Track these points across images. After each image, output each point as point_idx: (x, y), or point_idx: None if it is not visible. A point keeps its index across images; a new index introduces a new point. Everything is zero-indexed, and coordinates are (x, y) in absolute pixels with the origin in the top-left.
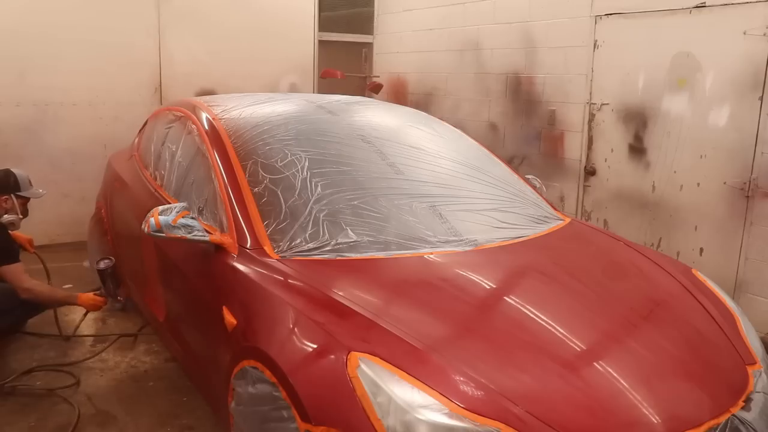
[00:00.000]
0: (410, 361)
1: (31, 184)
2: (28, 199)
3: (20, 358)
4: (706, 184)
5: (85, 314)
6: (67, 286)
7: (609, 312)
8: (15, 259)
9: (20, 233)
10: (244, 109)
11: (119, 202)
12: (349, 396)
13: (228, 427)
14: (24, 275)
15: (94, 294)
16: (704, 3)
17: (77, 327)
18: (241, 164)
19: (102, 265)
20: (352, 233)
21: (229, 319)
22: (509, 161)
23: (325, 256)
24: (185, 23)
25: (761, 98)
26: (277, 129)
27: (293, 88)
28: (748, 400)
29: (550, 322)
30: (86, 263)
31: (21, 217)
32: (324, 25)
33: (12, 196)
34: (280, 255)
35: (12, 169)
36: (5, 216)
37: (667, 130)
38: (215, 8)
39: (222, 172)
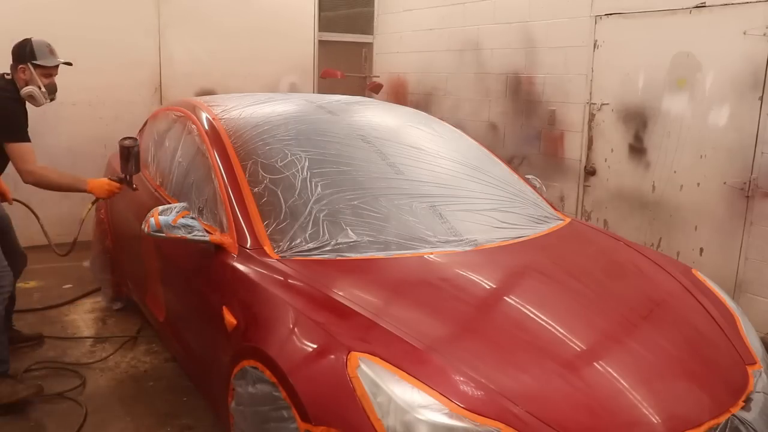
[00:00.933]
0: (410, 361)
1: (52, 53)
2: (51, 70)
3: (19, 356)
4: (706, 184)
5: (95, 202)
6: (67, 286)
7: (609, 312)
8: (22, 138)
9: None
10: (244, 109)
11: (119, 202)
12: (349, 396)
13: (228, 427)
14: (30, 157)
15: (109, 179)
16: (704, 3)
17: (74, 242)
18: (241, 164)
19: (127, 141)
20: (352, 233)
21: (229, 319)
22: (509, 161)
23: (325, 256)
24: (185, 23)
25: (761, 98)
26: (277, 129)
27: (293, 88)
28: (748, 400)
29: (550, 322)
30: (86, 263)
31: (43, 90)
32: (324, 25)
33: (29, 65)
34: (280, 255)
35: (32, 38)
36: (25, 88)
37: (667, 130)
38: (215, 8)
39: (222, 172)
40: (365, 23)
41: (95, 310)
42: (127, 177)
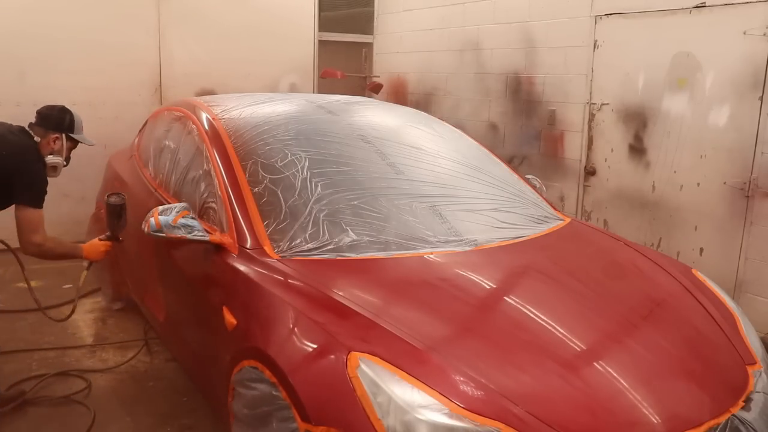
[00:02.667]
0: (410, 361)
1: (82, 129)
2: (75, 145)
3: (21, 358)
4: (706, 184)
5: (89, 266)
6: (67, 286)
7: (609, 312)
8: (38, 204)
9: None
10: (244, 109)
11: None
12: (349, 396)
13: (228, 427)
14: (41, 227)
15: (99, 240)
16: (704, 3)
17: (74, 308)
18: (241, 164)
19: (114, 199)
20: (352, 233)
21: (229, 319)
22: (509, 161)
23: (325, 256)
24: (185, 23)
25: (761, 98)
26: (277, 129)
27: (293, 88)
28: (748, 400)
29: (550, 322)
30: (85, 263)
31: (65, 163)
32: (324, 25)
33: (63, 136)
34: (280, 255)
35: (69, 107)
36: (50, 157)
37: (667, 130)
38: (215, 8)
39: (222, 172)
40: (365, 23)
41: (95, 310)
42: (115, 233)
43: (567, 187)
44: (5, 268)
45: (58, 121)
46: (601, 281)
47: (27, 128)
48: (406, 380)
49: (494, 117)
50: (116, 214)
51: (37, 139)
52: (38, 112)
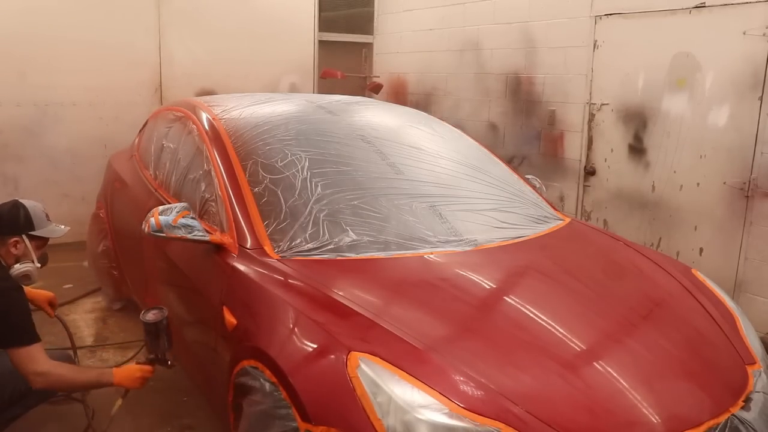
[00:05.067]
0: (410, 361)
1: (48, 219)
2: (46, 241)
3: None
4: (705, 184)
5: (126, 393)
6: (67, 286)
7: (609, 312)
8: (30, 340)
9: (37, 289)
10: (244, 109)
11: (119, 202)
12: (349, 396)
13: (228, 427)
14: (40, 356)
15: (137, 364)
16: (704, 3)
17: (112, 417)
18: (241, 164)
19: (151, 316)
20: (352, 233)
21: (230, 318)
22: (509, 161)
23: (325, 256)
24: (185, 23)
25: (761, 98)
26: (277, 129)
27: (293, 88)
28: (747, 400)
29: (550, 322)
30: (86, 263)
31: (38, 265)
32: (324, 25)
33: (24, 237)
34: (280, 255)
35: (21, 201)
36: (16, 266)
37: (667, 130)
38: (215, 8)
39: (222, 172)
40: (365, 23)
41: (95, 310)
42: (159, 355)
43: (567, 187)
44: None
45: (10, 221)
46: (600, 281)
47: None
48: (406, 380)
49: (494, 117)
50: (155, 333)
51: None
52: None
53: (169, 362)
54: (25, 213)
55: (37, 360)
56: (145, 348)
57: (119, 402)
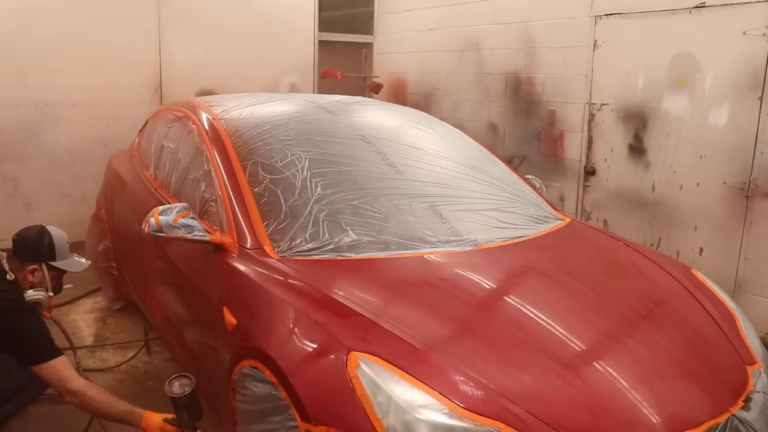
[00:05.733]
0: (410, 361)
1: (71, 250)
2: (64, 272)
3: None
4: (705, 184)
5: None
6: (67, 286)
7: (609, 312)
8: (51, 354)
9: None
10: (244, 109)
11: (120, 202)
12: (349, 396)
13: (228, 427)
14: (69, 372)
15: (165, 422)
16: (704, 3)
17: None
18: (241, 164)
19: (176, 387)
20: (352, 233)
21: (230, 318)
22: (509, 161)
23: (325, 256)
24: (185, 23)
25: (761, 98)
26: (277, 129)
27: (293, 88)
28: (747, 400)
29: (550, 322)
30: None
31: (51, 294)
32: (324, 25)
33: (43, 266)
34: (281, 255)
35: (48, 228)
36: (29, 292)
37: (667, 130)
38: (215, 8)
39: (222, 172)
40: (365, 23)
41: (95, 310)
42: (188, 426)
43: (567, 187)
44: None
45: (34, 248)
46: (600, 281)
47: (1, 263)
48: (406, 380)
49: (494, 117)
50: (180, 406)
51: (10, 276)
52: (13, 239)
53: (198, 430)
54: (50, 241)
55: (66, 377)
56: (176, 419)
57: None
